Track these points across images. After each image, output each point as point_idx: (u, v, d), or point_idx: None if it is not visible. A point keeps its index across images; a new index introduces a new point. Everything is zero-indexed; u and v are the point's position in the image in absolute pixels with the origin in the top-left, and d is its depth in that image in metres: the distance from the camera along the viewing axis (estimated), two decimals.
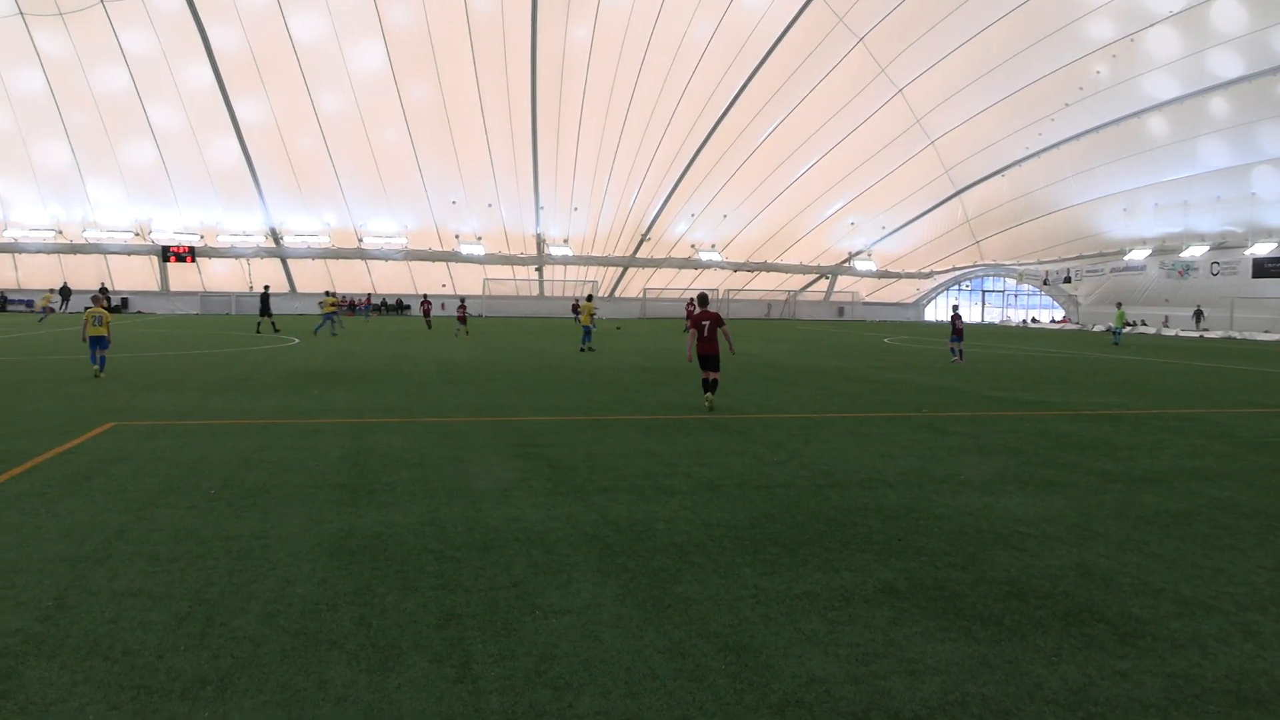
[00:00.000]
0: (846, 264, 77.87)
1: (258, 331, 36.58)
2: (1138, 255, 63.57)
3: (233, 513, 7.10)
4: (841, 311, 79.39)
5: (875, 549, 6.36)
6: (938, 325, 66.97)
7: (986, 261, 76.98)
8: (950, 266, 79.51)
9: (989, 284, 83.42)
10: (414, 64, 55.20)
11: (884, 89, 59.77)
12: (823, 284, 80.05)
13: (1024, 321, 78.03)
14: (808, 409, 14.31)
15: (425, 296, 50.27)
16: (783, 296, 78.78)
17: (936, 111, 61.43)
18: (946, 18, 53.18)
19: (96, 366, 17.36)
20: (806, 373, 21.20)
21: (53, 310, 51.83)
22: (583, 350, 27.40)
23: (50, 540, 6.25)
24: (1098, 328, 62.63)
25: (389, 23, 53.10)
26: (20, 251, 62.15)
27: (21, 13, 51.99)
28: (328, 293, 39.25)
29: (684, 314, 13.54)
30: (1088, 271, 69.22)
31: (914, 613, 5.09)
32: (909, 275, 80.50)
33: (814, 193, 68.08)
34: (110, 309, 50.02)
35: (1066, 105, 58.00)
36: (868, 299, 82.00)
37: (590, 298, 31.80)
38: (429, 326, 43.99)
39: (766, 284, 77.59)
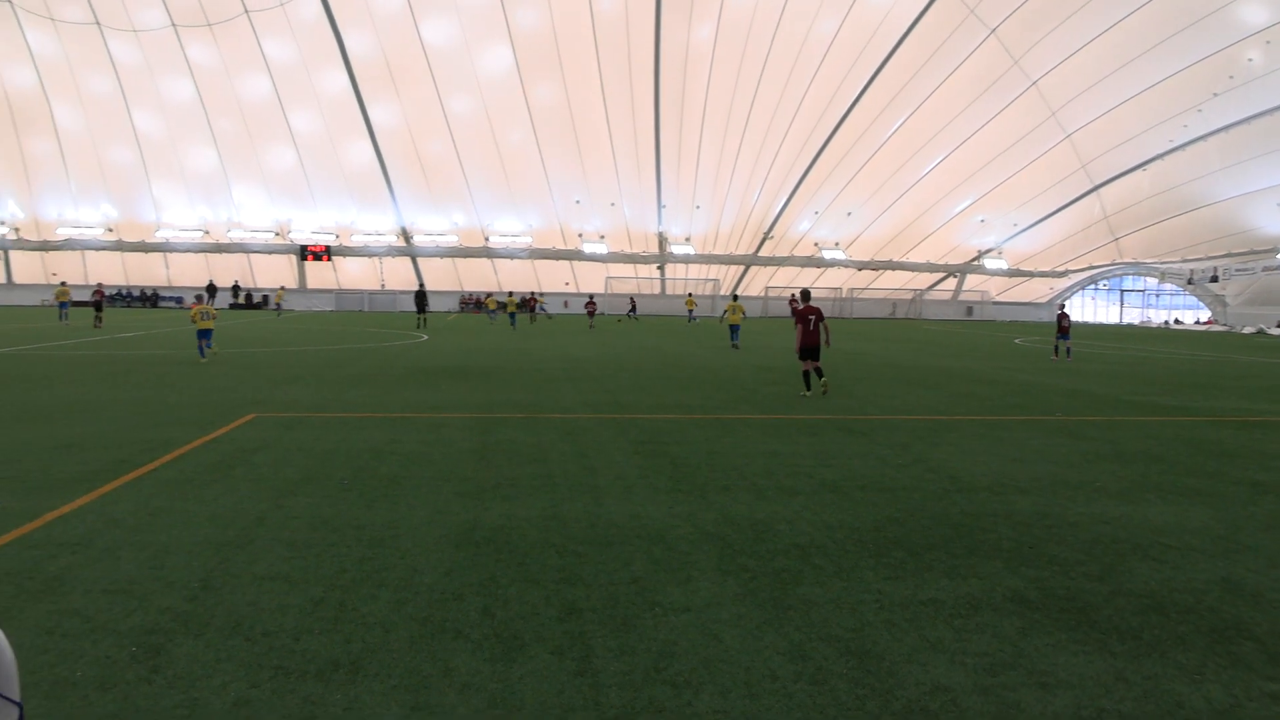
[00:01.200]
0: (975, 262, 75.61)
1: (418, 327, 39.45)
2: None
3: (364, 503, 7.35)
4: (970, 311, 77.15)
5: (1005, 556, 6.17)
6: (1071, 326, 64.49)
7: (1125, 260, 73.61)
8: (1086, 265, 76.33)
9: (1128, 283, 79.75)
10: (540, 65, 56.17)
11: (1017, 81, 57.86)
12: (950, 283, 77.91)
13: (1166, 323, 74.38)
14: (934, 411, 13.97)
15: (532, 294, 55.17)
16: (908, 296, 77.10)
17: (1073, 104, 59.09)
18: (1085, 5, 51.10)
19: (212, 349, 20.75)
20: (933, 374, 20.70)
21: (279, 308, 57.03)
22: (734, 347, 28.93)
23: (197, 524, 6.59)
24: (1246, 329, 59.29)
25: (516, 25, 54.15)
26: (171, 251, 65.79)
27: (174, 24, 55.06)
28: (534, 294, 43.55)
29: (789, 311, 15.02)
30: (1236, 270, 65.37)
31: (1046, 624, 4.92)
32: (1042, 274, 77.59)
33: (942, 189, 66.40)
34: (251, 305, 53.33)
35: (1215, 95, 54.93)
36: (998, 298, 79.43)
37: (735, 297, 34.37)
38: (532, 321, 47.78)
39: (891, 283, 76.02)
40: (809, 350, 15.49)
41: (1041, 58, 55.95)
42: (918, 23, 53.45)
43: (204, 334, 20.36)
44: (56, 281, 55.14)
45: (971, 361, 25.05)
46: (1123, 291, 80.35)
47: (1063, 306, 28.65)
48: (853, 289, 74.32)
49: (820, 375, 15.67)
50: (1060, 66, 56.22)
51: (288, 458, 9.11)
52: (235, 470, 8.45)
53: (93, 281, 63.49)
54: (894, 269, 74.24)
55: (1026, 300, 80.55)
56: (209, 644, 4.44)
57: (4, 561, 5.64)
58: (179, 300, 66.00)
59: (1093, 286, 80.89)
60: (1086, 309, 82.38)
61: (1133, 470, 9.34)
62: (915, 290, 77.31)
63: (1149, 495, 8.17)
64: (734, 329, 30.02)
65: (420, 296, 43.33)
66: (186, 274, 66.76)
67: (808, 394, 15.47)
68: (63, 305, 39.89)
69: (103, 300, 36.48)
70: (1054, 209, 69.18)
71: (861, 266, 73.18)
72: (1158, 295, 78.32)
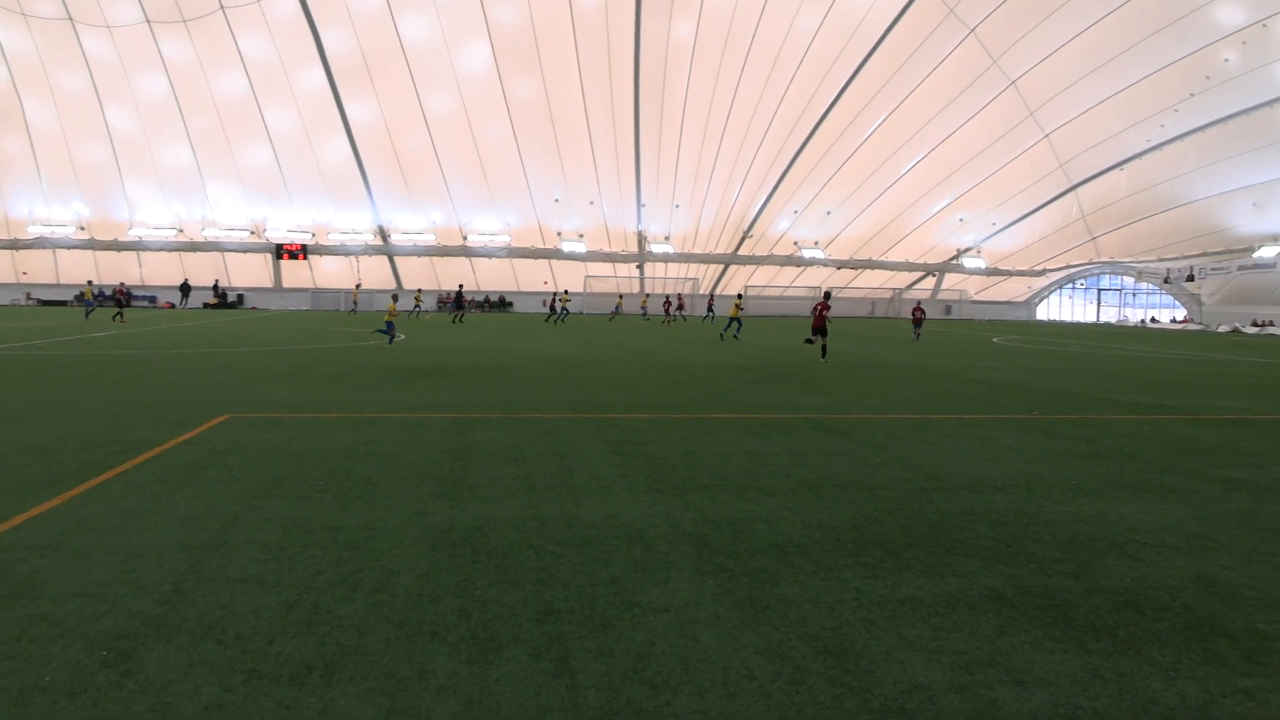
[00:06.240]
0: (954, 261, 76.04)
1: (453, 323, 44.47)
2: (1267, 252, 60.44)
3: (339, 504, 7.28)
4: (948, 310, 77.59)
5: (982, 555, 6.18)
6: (1049, 325, 65.06)
7: (1103, 259, 74.24)
8: (1064, 264, 76.91)
9: (1105, 282, 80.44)
10: (519, 63, 56.02)
11: (996, 81, 58.23)
12: (929, 282, 78.24)
13: (1143, 321, 75.03)
14: (912, 410, 14.00)
15: (459, 288, 54.95)
16: (887, 295, 77.40)
17: (1051, 104, 59.52)
18: (1063, 5, 51.51)
19: (387, 335, 27.15)
20: (911, 372, 20.77)
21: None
22: (736, 337, 34.23)
23: (169, 527, 6.50)
24: (1222, 328, 59.88)
25: (494, 22, 53.97)
26: (144, 249, 65.16)
27: (148, 20, 54.55)
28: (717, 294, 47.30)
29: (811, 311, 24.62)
30: (1212, 269, 66.02)
31: (1022, 621, 4.93)
32: (1020, 273, 78.10)
33: (920, 189, 66.74)
34: (225, 304, 55.43)
35: (1192, 95, 55.44)
36: (976, 297, 79.94)
37: (740, 296, 39.38)
38: (459, 320, 47.75)
39: (871, 282, 76.31)
40: (816, 330, 23.73)
41: (1020, 57, 56.33)
42: (897, 22, 53.67)
43: (390, 324, 26.65)
44: (26, 280, 55.22)
45: (949, 360, 25.16)
46: (1100, 290, 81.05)
47: (919, 303, 38.55)
48: (832, 288, 74.48)
49: (822, 347, 23.77)
50: (1039, 66, 56.62)
51: (262, 459, 9.02)
52: (208, 472, 8.36)
53: (64, 281, 63.25)
54: (873, 268, 74.56)
55: (1005, 299, 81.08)
56: (181, 648, 4.38)
57: None
58: (152, 300, 65.39)
59: (1070, 285, 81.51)
60: (1064, 308, 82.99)
61: (1108, 468, 9.39)
62: (894, 289, 77.60)
63: (1124, 493, 8.21)
64: (738, 322, 35.51)
65: (459, 296, 52.06)
66: (160, 273, 66.14)
67: (811, 343, 24.77)
68: (89, 303, 43.37)
69: (124, 298, 39.55)
70: (1032, 208, 69.68)
71: (840, 265, 73.43)
72: (1134, 294, 79.06)
